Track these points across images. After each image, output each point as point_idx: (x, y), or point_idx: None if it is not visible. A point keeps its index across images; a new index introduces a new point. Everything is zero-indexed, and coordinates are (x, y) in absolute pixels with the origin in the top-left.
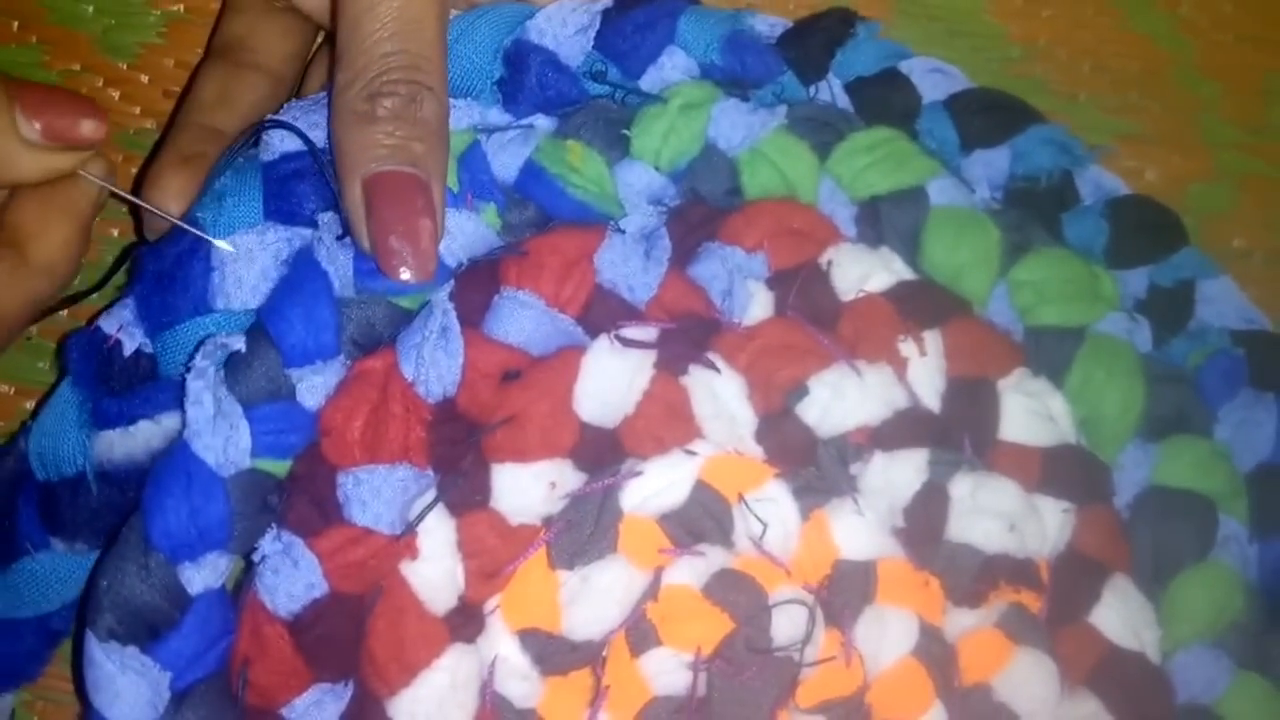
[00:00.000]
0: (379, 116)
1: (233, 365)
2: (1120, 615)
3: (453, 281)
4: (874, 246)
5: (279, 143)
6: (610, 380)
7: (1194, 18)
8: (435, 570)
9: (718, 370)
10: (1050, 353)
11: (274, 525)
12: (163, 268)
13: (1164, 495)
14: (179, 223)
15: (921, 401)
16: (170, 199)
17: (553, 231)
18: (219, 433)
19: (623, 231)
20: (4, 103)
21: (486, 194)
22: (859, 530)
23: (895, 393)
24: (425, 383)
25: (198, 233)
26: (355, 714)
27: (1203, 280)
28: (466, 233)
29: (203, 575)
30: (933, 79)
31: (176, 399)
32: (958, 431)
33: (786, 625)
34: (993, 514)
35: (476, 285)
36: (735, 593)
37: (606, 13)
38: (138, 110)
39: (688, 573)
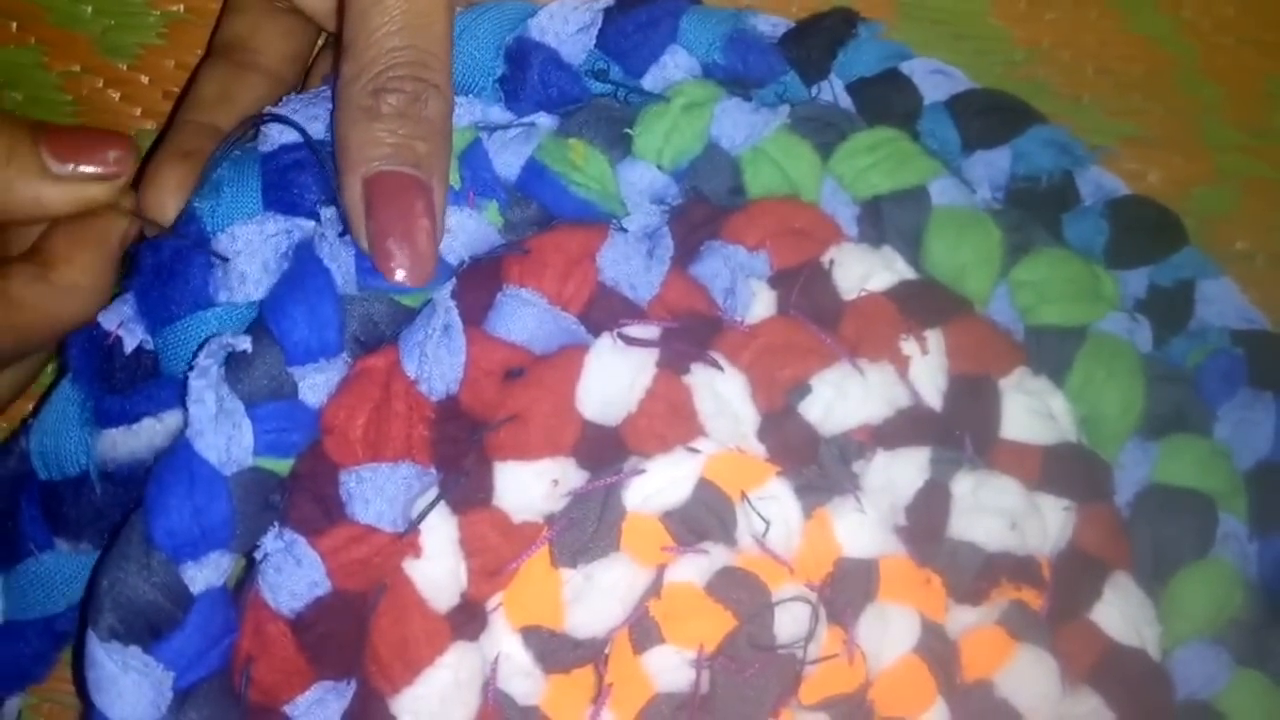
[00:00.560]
0: (383, 113)
1: (235, 363)
2: (1121, 612)
3: (455, 279)
4: (876, 246)
5: (278, 135)
6: (613, 378)
7: (1196, 21)
8: (438, 568)
9: (720, 369)
10: (1051, 352)
11: (276, 524)
12: (161, 262)
13: (1164, 493)
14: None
15: (923, 400)
16: (168, 194)
17: (555, 230)
18: (221, 431)
19: (625, 230)
20: (29, 141)
21: (488, 192)
22: (861, 528)
23: (897, 391)
24: (428, 381)
25: (210, 250)
26: (358, 712)
27: (1202, 280)
28: (468, 230)
29: (205, 574)
30: (934, 80)
31: (179, 396)
32: (959, 430)
33: (789, 623)
34: (994, 512)
35: (479, 283)
36: (738, 590)
37: (608, 11)
38: (138, 111)
39: (690, 570)
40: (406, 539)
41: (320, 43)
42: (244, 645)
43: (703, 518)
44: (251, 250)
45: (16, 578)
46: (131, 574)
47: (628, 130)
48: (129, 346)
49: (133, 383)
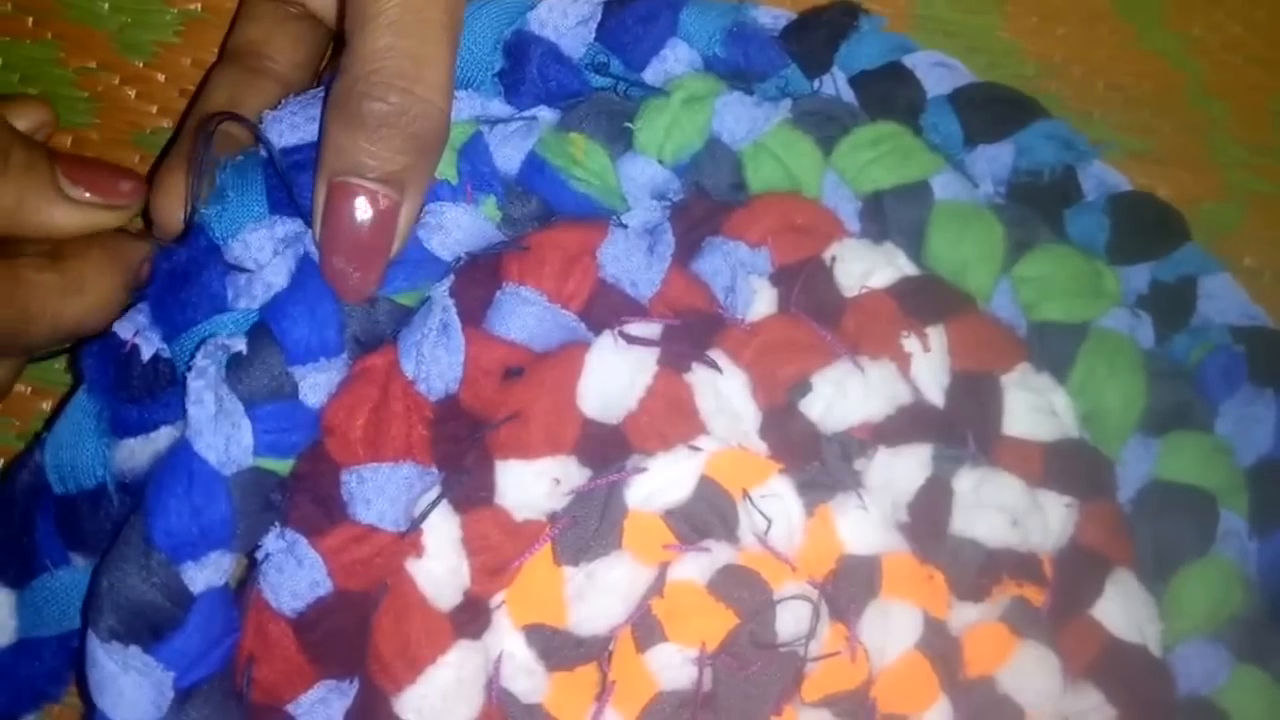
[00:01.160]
0: (365, 122)
1: (235, 364)
2: (1122, 609)
3: (452, 276)
4: (878, 242)
5: (279, 137)
6: (614, 377)
7: (1205, 39)
8: (440, 567)
9: (719, 370)
10: (1053, 348)
11: (277, 524)
12: (176, 268)
13: (1166, 490)
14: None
15: (925, 397)
16: (176, 201)
17: (554, 226)
18: (221, 431)
19: (625, 226)
20: (47, 161)
21: (486, 186)
22: (863, 525)
23: (899, 388)
24: (426, 380)
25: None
26: (361, 711)
27: (1204, 276)
28: (464, 226)
29: (205, 574)
30: (937, 73)
31: None
32: (961, 427)
33: (791, 620)
34: (996, 509)
35: (477, 281)
36: (740, 588)
37: (608, 4)
38: (154, 109)
39: (693, 568)
40: (408, 538)
41: (331, 48)
42: (246, 645)
43: (704, 515)
44: (264, 254)
45: (32, 595)
46: (131, 574)
47: (628, 124)
48: (145, 355)
49: (150, 391)
